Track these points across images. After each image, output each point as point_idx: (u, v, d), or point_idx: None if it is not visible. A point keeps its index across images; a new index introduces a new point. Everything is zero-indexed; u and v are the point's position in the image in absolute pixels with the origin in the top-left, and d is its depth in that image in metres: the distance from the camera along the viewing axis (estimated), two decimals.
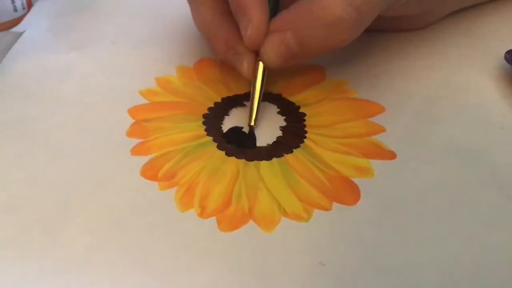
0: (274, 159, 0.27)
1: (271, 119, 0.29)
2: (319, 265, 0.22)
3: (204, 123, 0.29)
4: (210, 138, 0.28)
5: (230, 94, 0.31)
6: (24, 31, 0.36)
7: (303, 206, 0.24)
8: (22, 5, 0.38)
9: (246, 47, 0.29)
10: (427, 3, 0.33)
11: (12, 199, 0.25)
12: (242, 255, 0.22)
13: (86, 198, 0.25)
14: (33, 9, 0.38)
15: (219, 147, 0.28)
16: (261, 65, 0.29)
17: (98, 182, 0.26)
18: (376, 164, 0.26)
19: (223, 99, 0.31)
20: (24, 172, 0.26)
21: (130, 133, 0.28)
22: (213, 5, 0.30)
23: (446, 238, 0.23)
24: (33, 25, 0.37)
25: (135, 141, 0.28)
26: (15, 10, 0.37)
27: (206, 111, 0.30)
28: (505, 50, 0.31)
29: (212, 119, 0.29)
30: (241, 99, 0.31)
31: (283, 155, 0.27)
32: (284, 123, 0.29)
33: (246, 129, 0.29)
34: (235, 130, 0.29)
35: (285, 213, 0.24)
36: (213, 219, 0.24)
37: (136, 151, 0.27)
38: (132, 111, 0.30)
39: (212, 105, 0.30)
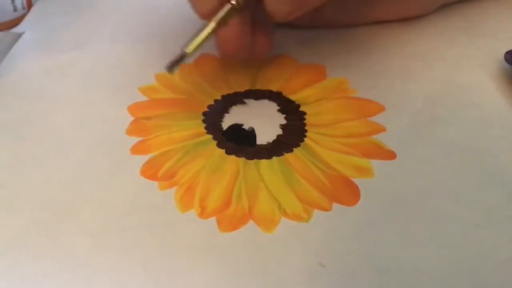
0: (274, 158, 0.27)
1: (271, 117, 0.29)
2: (318, 265, 0.22)
3: (204, 121, 0.29)
4: (210, 136, 0.28)
5: (230, 92, 0.31)
6: (24, 31, 0.36)
7: (303, 206, 0.24)
8: (22, 5, 0.38)
9: None
10: None
11: (12, 199, 0.25)
12: (242, 255, 0.22)
13: (86, 198, 0.25)
14: (33, 9, 0.38)
15: (219, 145, 0.28)
16: (227, 6, 0.27)
17: (98, 182, 0.26)
18: (376, 164, 0.26)
19: (223, 96, 0.31)
20: (24, 172, 0.26)
21: (130, 131, 0.28)
22: None
23: (446, 238, 0.23)
24: (33, 25, 0.37)
25: (135, 139, 0.28)
26: (15, 10, 0.37)
27: (206, 109, 0.30)
28: (505, 50, 0.31)
29: (212, 117, 0.29)
30: (241, 97, 0.31)
31: (283, 154, 0.27)
32: (284, 121, 0.29)
33: (246, 126, 0.29)
34: (235, 128, 0.29)
35: (285, 213, 0.24)
36: (213, 219, 0.24)
37: (135, 149, 0.27)
38: (132, 109, 0.30)
39: (212, 103, 0.30)
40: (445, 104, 0.30)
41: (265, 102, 0.30)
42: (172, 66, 0.28)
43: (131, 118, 0.29)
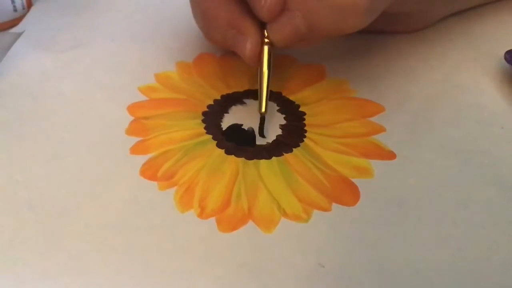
0: (274, 158, 0.27)
1: (271, 117, 0.29)
2: (318, 265, 0.22)
3: (203, 121, 0.29)
4: (210, 136, 0.28)
5: (230, 91, 0.31)
6: (24, 31, 0.36)
7: (302, 206, 0.24)
8: (22, 5, 0.37)
9: (252, 26, 0.27)
10: (426, 2, 0.32)
11: (12, 199, 0.25)
12: (241, 255, 0.22)
13: (86, 198, 0.25)
14: (33, 9, 0.38)
15: (218, 145, 0.28)
16: (266, 49, 0.28)
17: (98, 182, 0.26)
18: (376, 164, 0.26)
19: (222, 96, 0.31)
20: (24, 172, 0.26)
21: (129, 131, 0.28)
22: None
23: (446, 238, 0.23)
24: (33, 25, 0.37)
25: (134, 139, 0.28)
26: (15, 10, 0.37)
27: (206, 109, 0.30)
28: (505, 50, 0.31)
29: (211, 117, 0.29)
30: (241, 97, 0.31)
31: (283, 154, 0.27)
32: (283, 122, 0.29)
33: (245, 126, 0.29)
34: (235, 128, 0.29)
35: (284, 214, 0.24)
36: (212, 220, 0.24)
37: (135, 149, 0.27)
38: (131, 108, 0.30)
39: (212, 103, 0.30)
40: (445, 104, 0.30)
41: None
42: (262, 131, 0.28)
43: (131, 118, 0.29)
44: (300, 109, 0.30)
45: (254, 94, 0.31)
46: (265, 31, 0.28)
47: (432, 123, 0.29)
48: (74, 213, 0.24)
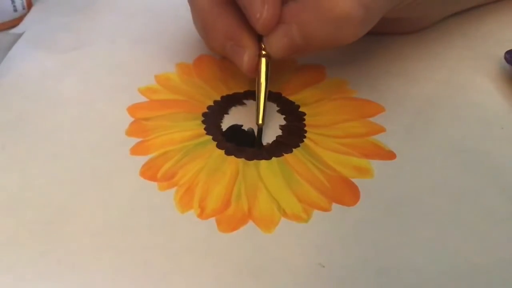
0: (274, 159, 0.27)
1: (271, 118, 0.29)
2: (318, 266, 0.22)
3: (203, 121, 0.29)
4: (210, 137, 0.28)
5: (230, 92, 0.31)
6: (24, 32, 0.36)
7: (302, 206, 0.24)
8: (22, 5, 0.38)
9: (249, 39, 0.28)
10: (424, 7, 0.32)
11: (12, 199, 0.25)
12: (241, 256, 0.22)
13: (86, 199, 0.25)
14: (33, 9, 0.38)
15: (218, 146, 0.28)
16: (264, 61, 0.28)
17: (98, 182, 0.26)
18: (376, 164, 0.26)
19: (222, 97, 0.31)
20: (24, 172, 0.26)
21: (129, 132, 0.28)
22: None
23: (446, 238, 0.23)
24: (33, 25, 0.37)
25: (134, 140, 0.28)
26: (15, 10, 0.37)
27: (206, 110, 0.30)
28: (505, 51, 0.31)
29: (211, 118, 0.29)
30: (241, 98, 0.31)
31: (283, 155, 0.27)
32: (283, 122, 0.29)
33: (245, 127, 0.29)
34: (235, 128, 0.29)
35: (284, 214, 0.24)
36: (212, 220, 0.24)
37: (135, 150, 0.27)
38: (131, 109, 0.30)
39: (212, 104, 0.30)
40: (445, 104, 0.30)
41: None
42: (260, 143, 0.28)
43: (131, 119, 0.29)
44: (300, 109, 0.30)
45: (254, 95, 0.31)
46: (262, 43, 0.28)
47: (432, 123, 0.29)
48: (74, 213, 0.24)
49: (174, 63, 0.33)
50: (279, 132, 0.29)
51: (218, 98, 0.31)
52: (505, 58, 0.31)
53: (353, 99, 0.31)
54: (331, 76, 0.32)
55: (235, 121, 0.29)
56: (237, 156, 0.27)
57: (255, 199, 0.25)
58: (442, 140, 0.28)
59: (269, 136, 0.28)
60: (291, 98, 0.31)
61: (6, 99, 0.31)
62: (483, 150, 0.27)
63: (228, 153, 0.27)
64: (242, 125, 0.29)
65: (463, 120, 0.29)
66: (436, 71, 0.32)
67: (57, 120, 0.29)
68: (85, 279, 0.22)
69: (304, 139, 0.28)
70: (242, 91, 0.31)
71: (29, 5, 0.38)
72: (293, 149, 0.27)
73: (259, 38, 0.28)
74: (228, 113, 0.30)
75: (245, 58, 0.28)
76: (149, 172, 0.26)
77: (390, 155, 0.27)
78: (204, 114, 0.30)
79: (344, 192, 0.25)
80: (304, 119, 0.29)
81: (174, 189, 0.25)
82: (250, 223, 0.24)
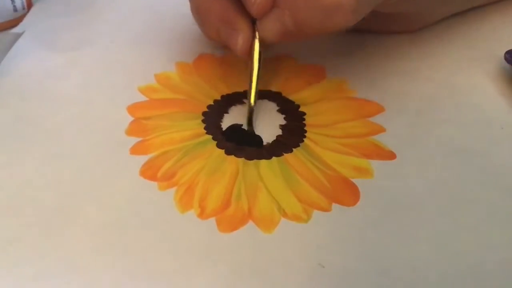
0: (274, 158, 0.27)
1: (271, 117, 0.29)
2: (318, 266, 0.22)
3: (203, 121, 0.29)
4: (210, 136, 0.28)
5: (230, 92, 0.31)
6: (24, 31, 0.36)
7: (302, 207, 0.24)
8: (22, 5, 0.37)
9: (243, 22, 0.28)
10: (420, 3, 0.32)
11: (12, 199, 0.25)
12: (241, 256, 0.22)
13: (86, 199, 0.25)
14: (33, 9, 0.38)
15: (218, 146, 0.28)
16: (257, 42, 0.28)
17: (98, 182, 0.26)
18: (375, 165, 0.26)
19: (222, 96, 0.31)
20: (24, 172, 0.26)
21: (129, 132, 0.28)
22: None
23: (446, 238, 0.23)
24: (33, 25, 0.37)
25: (134, 139, 0.28)
26: (15, 10, 0.37)
27: (206, 109, 0.30)
28: (505, 50, 0.31)
29: (211, 117, 0.29)
30: (241, 97, 0.31)
31: (283, 154, 0.27)
32: (283, 122, 0.29)
33: (245, 127, 0.29)
34: (235, 128, 0.29)
35: (284, 214, 0.24)
36: (212, 220, 0.24)
37: (135, 150, 0.27)
38: (131, 109, 0.30)
39: (212, 103, 0.30)
40: (445, 104, 0.30)
41: (265, 102, 0.30)
42: (250, 123, 0.28)
43: (131, 118, 0.29)
44: (300, 109, 0.30)
45: None
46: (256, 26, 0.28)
47: (432, 123, 0.29)
48: (74, 213, 0.24)
49: (174, 62, 0.33)
50: (279, 132, 0.29)
51: (218, 98, 0.31)
52: (505, 58, 0.31)
53: (353, 99, 0.31)
54: (331, 76, 0.32)
55: (235, 120, 0.29)
56: (237, 155, 0.27)
57: (255, 199, 0.25)
58: (442, 140, 0.28)
59: (269, 135, 0.28)
60: (291, 97, 0.31)
61: (6, 99, 0.31)
62: (483, 150, 0.27)
63: (228, 152, 0.27)
64: (242, 125, 0.29)
65: (463, 120, 0.29)
66: (436, 71, 0.32)
67: (57, 120, 0.29)
68: (85, 279, 0.22)
69: (304, 139, 0.28)
70: (242, 90, 0.31)
71: (29, 5, 0.38)
72: (293, 149, 0.27)
73: (253, 22, 0.28)
74: (228, 113, 0.30)
75: (240, 41, 0.28)
76: (149, 171, 0.26)
77: (390, 155, 0.27)
78: (204, 114, 0.30)
79: (344, 192, 0.25)
80: (304, 119, 0.29)
81: (174, 189, 0.25)
82: (250, 223, 0.24)
